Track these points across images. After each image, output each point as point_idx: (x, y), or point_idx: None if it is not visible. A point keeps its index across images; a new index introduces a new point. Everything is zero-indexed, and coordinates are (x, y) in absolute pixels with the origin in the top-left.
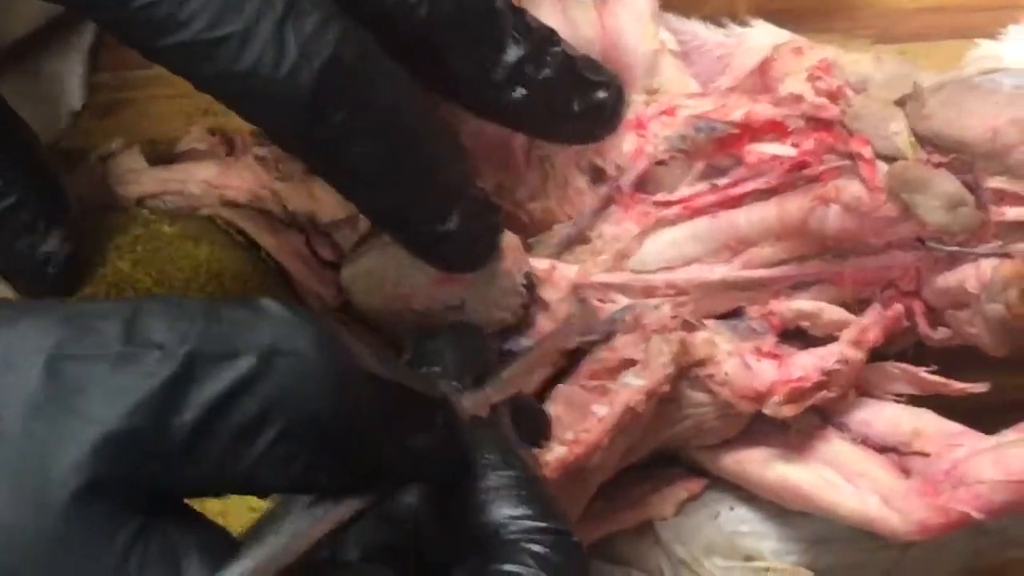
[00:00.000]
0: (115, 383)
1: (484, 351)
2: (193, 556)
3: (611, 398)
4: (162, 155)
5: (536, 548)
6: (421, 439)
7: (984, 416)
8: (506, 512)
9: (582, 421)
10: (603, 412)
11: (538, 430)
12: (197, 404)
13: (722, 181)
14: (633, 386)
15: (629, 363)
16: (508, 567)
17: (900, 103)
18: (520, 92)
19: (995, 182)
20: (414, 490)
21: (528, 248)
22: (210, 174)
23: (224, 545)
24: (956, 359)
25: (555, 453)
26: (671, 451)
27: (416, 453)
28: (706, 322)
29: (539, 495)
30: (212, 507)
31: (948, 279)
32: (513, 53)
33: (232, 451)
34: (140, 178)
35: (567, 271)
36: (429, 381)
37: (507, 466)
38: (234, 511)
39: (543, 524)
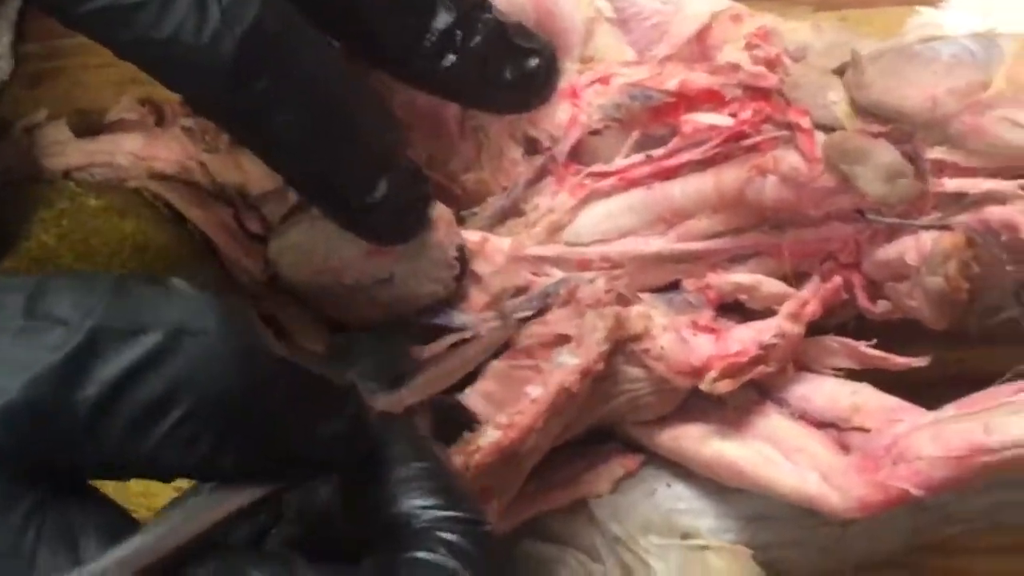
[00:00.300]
0: (16, 356)
1: (404, 355)
2: (91, 535)
3: (545, 378)
4: (92, 125)
5: (446, 536)
6: (329, 425)
7: (924, 390)
8: (416, 502)
9: (515, 402)
10: (537, 393)
11: (459, 427)
12: (100, 380)
13: (658, 152)
14: (567, 365)
15: (563, 339)
16: (418, 554)
17: (839, 72)
18: (451, 59)
19: (935, 152)
20: (328, 485)
21: (460, 221)
22: (137, 145)
23: (123, 525)
24: (897, 332)
25: (489, 438)
26: (607, 427)
27: (324, 440)
28: (641, 296)
29: (450, 486)
30: (135, 487)
31: (888, 251)
32: (443, 20)
33: (135, 430)
34: (66, 150)
35: (500, 244)
36: (337, 371)
37: (418, 458)
38: (156, 489)
39: (454, 513)
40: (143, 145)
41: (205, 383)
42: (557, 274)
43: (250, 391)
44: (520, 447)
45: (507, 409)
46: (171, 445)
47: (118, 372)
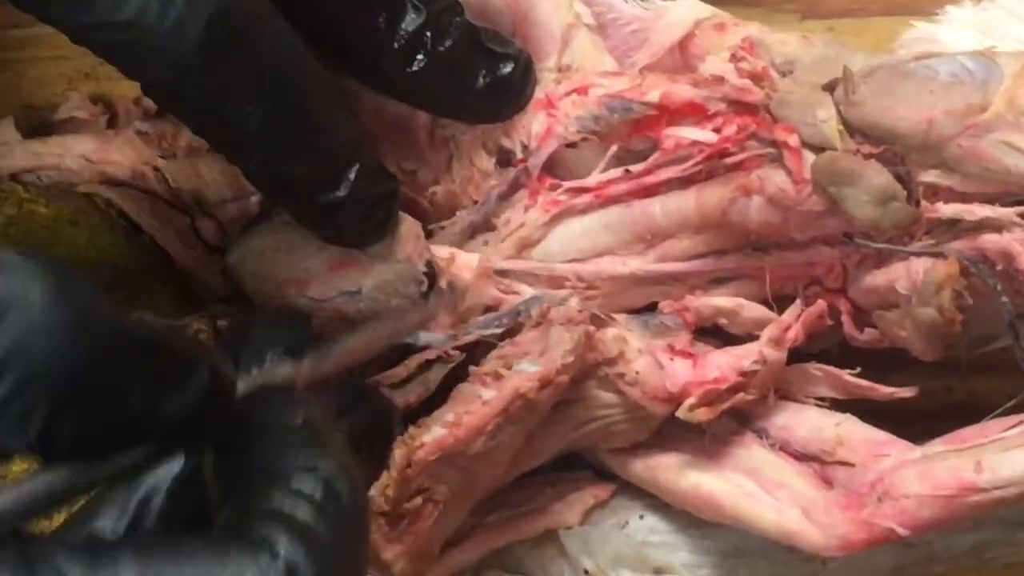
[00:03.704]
0: None
1: (302, 336)
2: None
3: (501, 384)
4: (41, 121)
5: (305, 487)
6: (175, 398)
7: (911, 419)
8: (279, 463)
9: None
10: (489, 395)
11: (381, 427)
12: None
13: (637, 167)
14: (526, 372)
15: None
16: (273, 505)
17: (829, 88)
18: (420, 62)
19: (929, 176)
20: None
21: (429, 235)
22: (88, 148)
23: None
24: (882, 358)
25: (433, 434)
26: (578, 454)
27: (168, 414)
28: (616, 317)
29: (315, 442)
30: None
31: (876, 278)
32: (412, 21)
33: None
34: (13, 152)
35: (469, 260)
36: (194, 342)
37: (289, 433)
38: None
39: (315, 463)
40: (95, 148)
41: (32, 356)
42: (528, 291)
43: (81, 363)
44: (466, 448)
45: (456, 408)
46: (2, 421)
47: None
